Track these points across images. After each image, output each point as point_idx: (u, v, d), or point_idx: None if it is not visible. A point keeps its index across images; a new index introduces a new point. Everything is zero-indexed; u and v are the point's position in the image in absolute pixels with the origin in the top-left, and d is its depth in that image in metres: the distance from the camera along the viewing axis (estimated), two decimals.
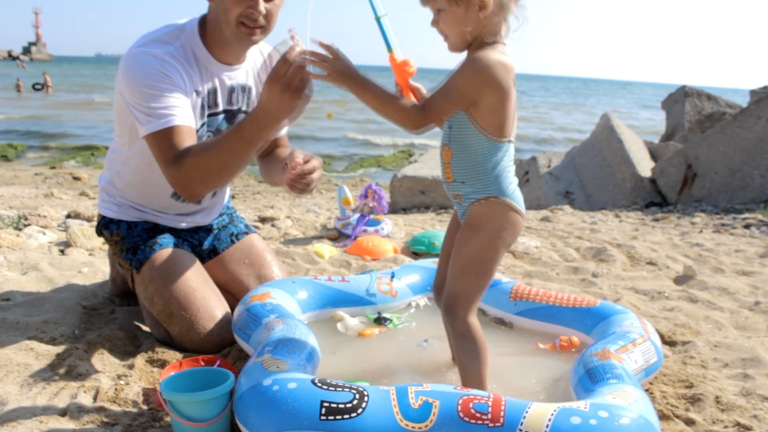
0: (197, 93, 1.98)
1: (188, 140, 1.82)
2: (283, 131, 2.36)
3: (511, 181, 1.57)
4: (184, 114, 1.85)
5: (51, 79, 32.06)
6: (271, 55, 1.71)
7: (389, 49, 1.67)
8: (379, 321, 2.16)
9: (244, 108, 2.16)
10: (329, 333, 2.08)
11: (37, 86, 31.15)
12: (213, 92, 2.05)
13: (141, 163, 2.06)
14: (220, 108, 2.10)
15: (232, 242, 2.36)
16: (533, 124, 25.35)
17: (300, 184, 1.88)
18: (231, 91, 2.10)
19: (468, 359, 1.57)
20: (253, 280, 2.29)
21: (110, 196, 2.22)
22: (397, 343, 2.04)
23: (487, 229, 1.54)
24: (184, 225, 2.28)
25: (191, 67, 1.96)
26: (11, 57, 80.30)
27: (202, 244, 2.33)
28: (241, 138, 1.72)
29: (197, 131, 1.97)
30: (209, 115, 2.07)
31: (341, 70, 1.53)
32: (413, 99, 1.59)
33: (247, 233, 2.43)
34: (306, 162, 1.88)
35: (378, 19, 1.67)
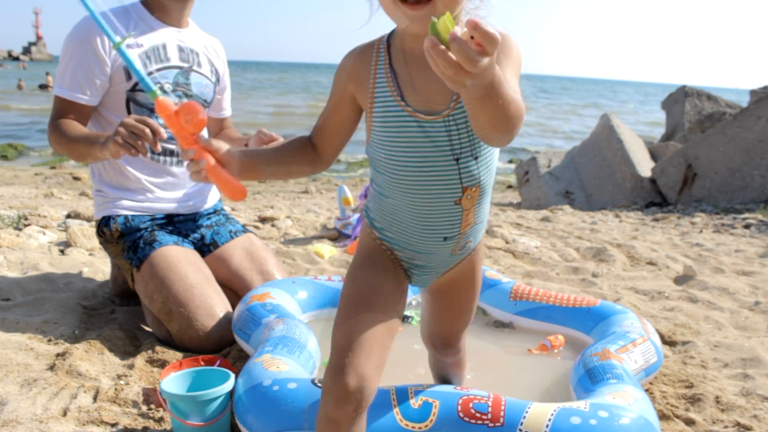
0: (137, 45, 2.17)
1: (70, 112, 2.13)
2: (227, 111, 2.57)
3: None
4: (80, 88, 2.11)
5: (52, 80, 32.12)
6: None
7: (150, 92, 1.21)
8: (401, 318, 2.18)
9: (195, 67, 2.32)
10: None
11: (43, 86, 31.25)
12: (162, 47, 2.21)
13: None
14: (173, 63, 2.25)
15: (232, 238, 2.37)
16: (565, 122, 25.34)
17: None
18: (180, 50, 2.27)
19: (463, 371, 1.58)
20: (256, 276, 2.30)
21: (102, 195, 2.24)
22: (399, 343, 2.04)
23: (482, 259, 1.39)
24: (178, 207, 2.30)
25: (131, 23, 2.18)
26: (11, 57, 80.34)
27: (204, 238, 2.34)
28: (82, 154, 2.02)
29: (149, 75, 2.17)
30: (162, 68, 2.21)
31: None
32: (211, 161, 1.16)
33: (245, 232, 2.44)
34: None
35: (119, 48, 1.25)
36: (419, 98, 1.13)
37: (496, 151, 1.21)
